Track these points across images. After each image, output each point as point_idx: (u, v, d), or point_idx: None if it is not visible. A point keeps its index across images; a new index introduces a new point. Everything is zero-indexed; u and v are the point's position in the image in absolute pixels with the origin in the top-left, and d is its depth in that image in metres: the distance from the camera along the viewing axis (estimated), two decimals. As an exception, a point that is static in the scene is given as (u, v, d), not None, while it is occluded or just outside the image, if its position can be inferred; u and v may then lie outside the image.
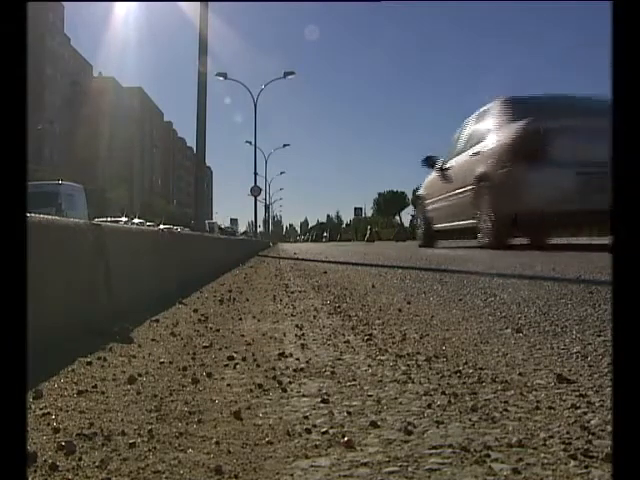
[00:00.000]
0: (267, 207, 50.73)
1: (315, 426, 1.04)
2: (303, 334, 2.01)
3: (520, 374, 1.35)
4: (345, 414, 1.10)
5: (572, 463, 0.85)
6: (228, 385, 1.34)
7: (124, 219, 23.63)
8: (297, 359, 1.61)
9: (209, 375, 1.42)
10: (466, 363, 1.47)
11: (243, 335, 2.02)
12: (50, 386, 1.29)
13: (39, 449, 0.92)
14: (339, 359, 1.59)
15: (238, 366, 1.53)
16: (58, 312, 1.74)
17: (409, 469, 0.85)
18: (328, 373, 1.44)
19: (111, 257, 2.26)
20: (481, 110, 7.54)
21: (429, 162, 9.30)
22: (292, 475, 0.84)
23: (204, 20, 10.41)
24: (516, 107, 6.49)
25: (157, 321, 2.30)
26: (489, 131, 6.77)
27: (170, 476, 0.84)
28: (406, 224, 52.81)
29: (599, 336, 1.72)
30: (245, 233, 78.65)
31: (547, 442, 0.93)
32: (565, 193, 5.50)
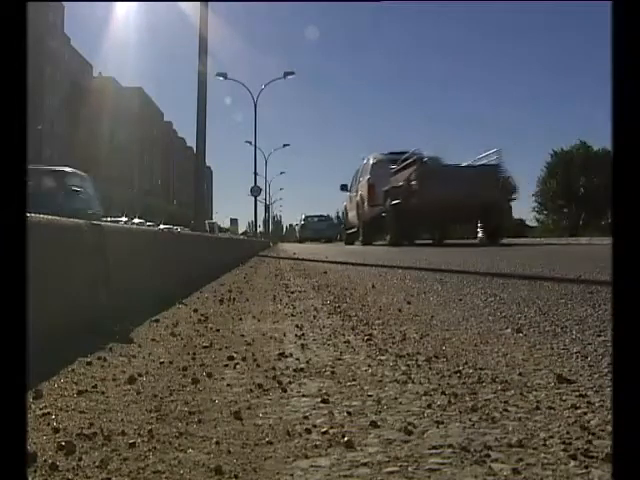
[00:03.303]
0: (267, 207, 50.74)
1: (315, 426, 1.04)
2: (303, 334, 2.01)
3: (520, 374, 1.35)
4: (345, 414, 1.10)
5: (572, 463, 0.85)
6: (228, 385, 1.34)
7: (124, 219, 23.59)
8: (297, 359, 1.61)
9: (209, 375, 1.42)
10: (466, 363, 1.47)
11: (243, 335, 2.02)
12: (50, 386, 1.29)
13: (39, 449, 0.92)
14: (339, 359, 1.59)
15: (238, 366, 1.53)
16: (58, 312, 1.74)
17: (409, 469, 0.85)
18: (328, 373, 1.44)
19: (111, 257, 2.26)
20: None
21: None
22: (292, 475, 0.84)
23: (204, 20, 10.40)
24: None
25: (157, 321, 2.30)
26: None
27: (170, 476, 0.84)
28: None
29: (599, 336, 1.72)
30: (245, 233, 78.65)
31: (547, 442, 0.93)
32: None
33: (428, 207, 11.22)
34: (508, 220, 13.93)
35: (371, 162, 15.72)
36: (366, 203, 14.81)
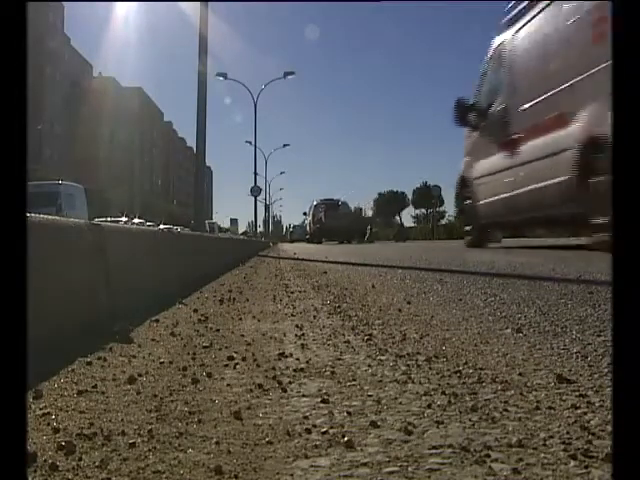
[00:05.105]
0: (267, 207, 51.22)
1: (315, 426, 1.03)
2: (303, 334, 2.01)
3: (520, 374, 1.35)
4: (345, 414, 1.10)
5: (572, 463, 0.85)
6: (228, 385, 1.34)
7: (124, 219, 23.62)
8: (297, 359, 1.61)
9: (209, 375, 1.42)
10: (466, 363, 1.47)
11: (243, 335, 2.02)
12: (50, 386, 1.29)
13: (39, 449, 0.92)
14: (339, 359, 1.59)
15: (238, 366, 1.53)
16: (58, 312, 1.74)
17: (409, 469, 0.85)
18: (328, 373, 1.44)
19: (111, 257, 2.26)
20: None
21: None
22: (292, 475, 0.84)
23: (204, 20, 10.40)
24: None
25: (157, 321, 2.30)
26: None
27: (170, 476, 0.84)
28: (406, 224, 54.69)
29: (599, 336, 1.72)
30: (245, 233, 78.71)
31: (547, 442, 0.93)
32: None
33: (328, 229, 27.43)
34: (367, 235, 29.32)
35: (314, 203, 32.71)
36: (312, 224, 30.96)
